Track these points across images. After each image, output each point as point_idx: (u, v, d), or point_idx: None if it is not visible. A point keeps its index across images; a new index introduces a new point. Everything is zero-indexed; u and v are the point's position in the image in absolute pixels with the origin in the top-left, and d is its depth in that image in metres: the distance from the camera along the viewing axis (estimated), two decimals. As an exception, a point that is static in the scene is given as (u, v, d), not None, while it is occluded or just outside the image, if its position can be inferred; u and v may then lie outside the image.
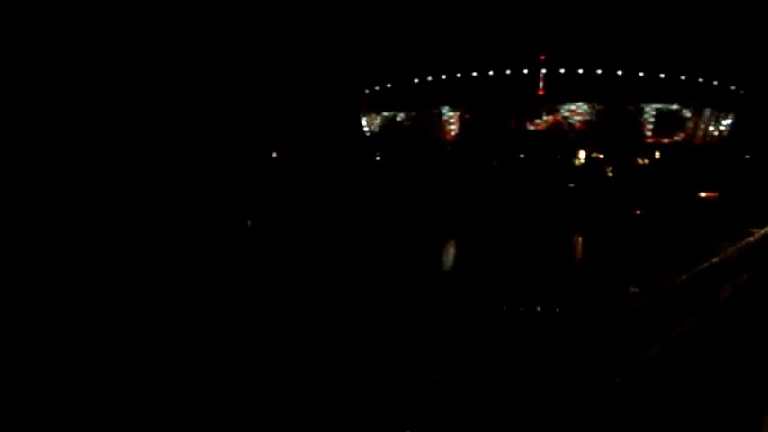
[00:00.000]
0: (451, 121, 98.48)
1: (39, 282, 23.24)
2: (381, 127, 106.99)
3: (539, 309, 19.39)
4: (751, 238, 20.20)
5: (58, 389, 13.15)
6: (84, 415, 12.08)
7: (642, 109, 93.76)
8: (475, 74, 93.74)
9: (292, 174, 75.26)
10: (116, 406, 12.39)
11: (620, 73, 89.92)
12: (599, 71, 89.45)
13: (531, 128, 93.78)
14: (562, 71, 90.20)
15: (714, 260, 12.20)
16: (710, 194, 71.92)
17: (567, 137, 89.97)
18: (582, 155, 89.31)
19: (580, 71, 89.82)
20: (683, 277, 10.40)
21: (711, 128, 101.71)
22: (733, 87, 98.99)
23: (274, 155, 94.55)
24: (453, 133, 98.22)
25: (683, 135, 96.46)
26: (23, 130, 71.81)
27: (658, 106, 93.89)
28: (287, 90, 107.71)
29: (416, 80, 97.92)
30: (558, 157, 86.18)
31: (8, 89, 75.35)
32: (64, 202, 46.24)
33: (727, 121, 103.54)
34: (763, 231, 20.00)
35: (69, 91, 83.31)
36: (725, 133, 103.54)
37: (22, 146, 65.36)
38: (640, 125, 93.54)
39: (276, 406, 12.45)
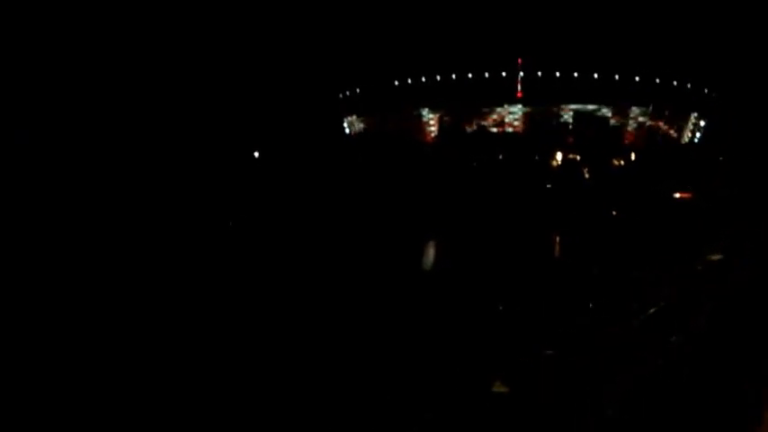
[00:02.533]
0: (431, 123, 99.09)
1: (38, 281, 23.21)
2: (362, 129, 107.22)
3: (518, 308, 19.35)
4: (712, 263, 20.00)
5: (56, 389, 13.10)
6: (83, 415, 11.96)
7: (622, 110, 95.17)
8: (454, 76, 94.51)
9: (274, 174, 74.88)
10: (110, 406, 12.29)
11: (596, 76, 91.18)
12: (576, 74, 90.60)
13: (510, 130, 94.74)
14: (540, 74, 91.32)
15: (661, 305, 11.38)
16: (685, 195, 72.43)
17: (544, 138, 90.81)
18: (559, 156, 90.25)
19: (557, 74, 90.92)
20: (609, 336, 8.00)
21: (687, 129, 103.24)
22: (706, 89, 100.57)
23: (256, 155, 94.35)
24: (433, 135, 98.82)
25: (659, 136, 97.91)
26: (23, 130, 70.80)
27: (636, 108, 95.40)
28: (269, 92, 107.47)
29: (396, 82, 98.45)
30: (536, 158, 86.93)
31: (8, 89, 74.17)
32: (63, 202, 45.59)
33: (702, 123, 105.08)
34: (721, 258, 20.20)
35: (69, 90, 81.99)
36: (701, 134, 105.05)
37: (22, 146, 64.45)
38: (616, 127, 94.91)
39: (272, 408, 12.20)
